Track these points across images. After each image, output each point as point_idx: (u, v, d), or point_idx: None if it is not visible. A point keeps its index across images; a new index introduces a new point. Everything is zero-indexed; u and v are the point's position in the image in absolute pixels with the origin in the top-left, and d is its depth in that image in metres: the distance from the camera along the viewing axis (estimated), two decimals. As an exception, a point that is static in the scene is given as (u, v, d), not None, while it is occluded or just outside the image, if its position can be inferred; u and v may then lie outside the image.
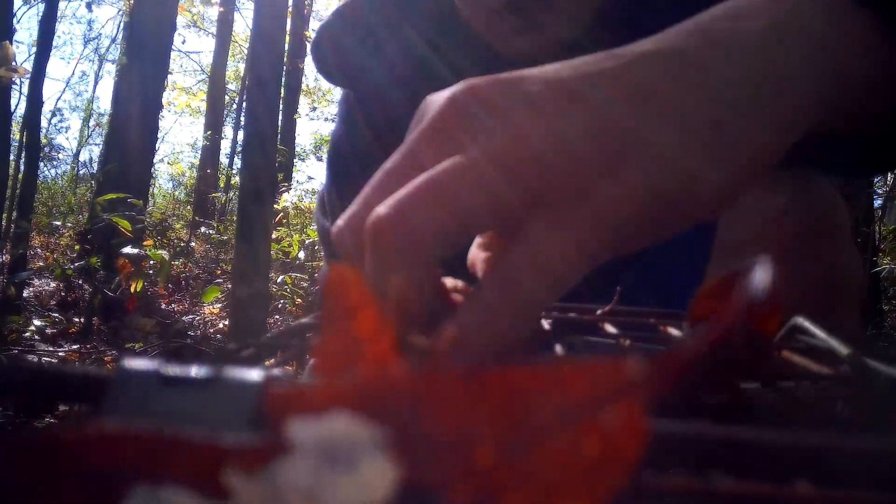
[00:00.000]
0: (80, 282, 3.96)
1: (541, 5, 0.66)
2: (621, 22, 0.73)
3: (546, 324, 0.32)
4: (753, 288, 0.20)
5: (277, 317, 3.92)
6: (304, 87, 12.36)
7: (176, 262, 5.25)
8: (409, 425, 0.13)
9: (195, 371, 0.15)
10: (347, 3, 0.82)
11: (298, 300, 3.93)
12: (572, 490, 0.13)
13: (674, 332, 0.32)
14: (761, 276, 0.20)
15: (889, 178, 4.63)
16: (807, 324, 0.30)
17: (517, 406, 0.13)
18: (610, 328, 0.32)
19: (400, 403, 0.13)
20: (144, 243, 3.46)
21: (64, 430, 0.12)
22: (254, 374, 0.15)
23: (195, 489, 0.12)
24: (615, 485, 0.13)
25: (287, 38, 6.83)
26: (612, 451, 0.13)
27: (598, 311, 0.35)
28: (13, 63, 2.37)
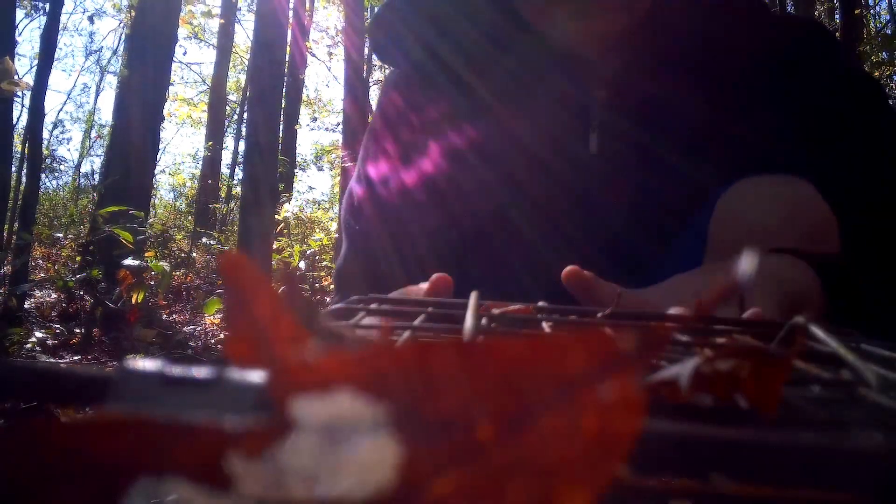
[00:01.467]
0: (82, 293, 3.96)
1: None
2: (666, 25, 0.75)
3: (546, 326, 0.32)
4: (740, 274, 0.20)
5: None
6: (304, 97, 12.40)
7: (177, 273, 5.25)
8: (409, 402, 0.13)
9: (196, 372, 0.15)
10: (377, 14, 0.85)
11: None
12: (573, 469, 0.13)
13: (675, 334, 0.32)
14: (747, 263, 0.20)
15: None
16: (809, 324, 0.30)
17: (515, 380, 0.13)
18: (610, 331, 0.32)
19: (398, 381, 0.13)
20: (146, 254, 3.47)
21: (66, 421, 0.12)
22: (255, 375, 0.15)
23: (197, 477, 0.12)
24: (614, 462, 0.13)
25: (288, 49, 6.87)
26: (609, 425, 0.13)
27: (599, 314, 0.35)
28: (14, 77, 2.39)
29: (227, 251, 0.31)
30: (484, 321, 0.32)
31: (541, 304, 0.37)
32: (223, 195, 11.35)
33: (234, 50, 12.76)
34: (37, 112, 4.02)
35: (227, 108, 13.19)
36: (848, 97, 0.76)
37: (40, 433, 0.12)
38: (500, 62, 0.78)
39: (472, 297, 0.33)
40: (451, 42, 0.80)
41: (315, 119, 14.56)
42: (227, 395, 0.15)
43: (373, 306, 0.35)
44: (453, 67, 0.79)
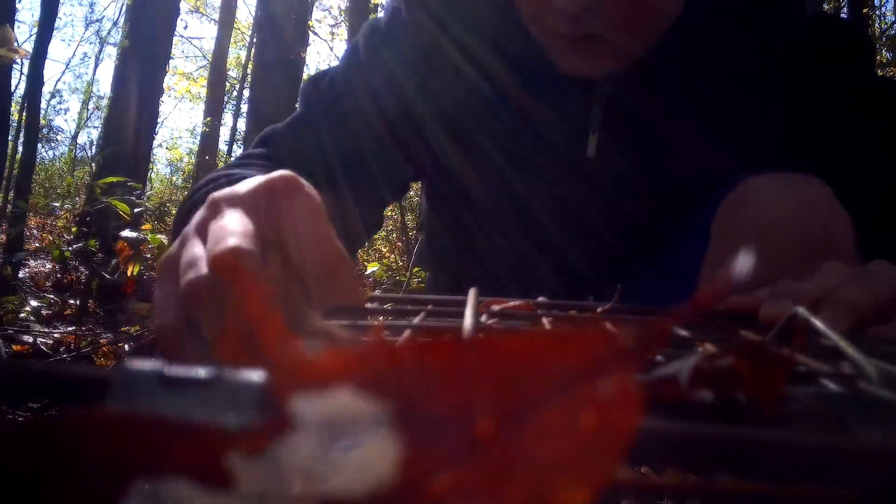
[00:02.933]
0: (77, 264, 3.95)
1: (594, 41, 0.67)
2: (673, 59, 0.73)
3: (547, 322, 0.32)
4: (738, 270, 0.20)
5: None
6: (305, 76, 12.28)
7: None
8: (409, 399, 0.13)
9: (196, 371, 0.15)
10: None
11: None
12: (572, 462, 0.13)
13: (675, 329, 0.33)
14: (744, 259, 0.21)
15: None
16: (807, 315, 0.30)
17: (514, 376, 0.13)
18: (610, 326, 0.32)
19: (399, 377, 0.13)
20: (143, 227, 3.44)
21: (68, 419, 0.12)
22: (254, 375, 0.15)
23: (196, 476, 0.12)
24: (613, 457, 0.13)
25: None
26: (608, 421, 0.13)
27: (599, 309, 0.36)
28: (14, 44, 2.36)
29: (222, 252, 0.32)
30: (483, 317, 0.32)
31: (540, 299, 0.37)
32: (221, 171, 11.23)
33: (235, 25, 12.62)
34: (35, 81, 3.97)
35: (227, 83, 13.07)
36: (870, 96, 0.75)
37: (41, 432, 0.12)
38: (511, 55, 0.77)
39: (471, 294, 0.33)
40: (473, 27, 0.78)
41: (316, 98, 14.38)
42: (227, 394, 0.15)
43: (373, 304, 0.36)
44: (474, 53, 0.77)
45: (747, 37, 0.74)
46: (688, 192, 0.74)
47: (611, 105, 0.76)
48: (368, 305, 0.36)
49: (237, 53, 14.32)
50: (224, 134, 12.96)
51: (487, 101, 0.78)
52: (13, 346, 2.27)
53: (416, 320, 0.33)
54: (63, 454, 0.12)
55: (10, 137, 5.26)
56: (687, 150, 0.73)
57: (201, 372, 0.15)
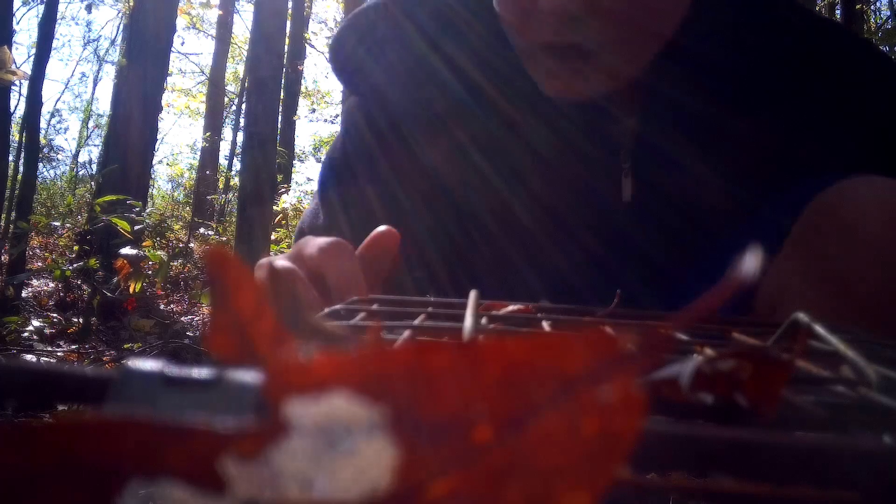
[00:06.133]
0: (79, 282, 3.96)
1: (581, 57, 0.64)
2: (653, 91, 0.69)
3: (546, 325, 0.32)
4: (744, 271, 0.20)
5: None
6: (303, 89, 12.36)
7: (175, 263, 5.25)
8: (406, 404, 0.13)
9: (197, 372, 0.15)
10: (357, 10, 0.82)
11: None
12: (572, 468, 0.13)
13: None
14: (751, 260, 0.20)
15: None
16: (808, 320, 0.30)
17: (514, 380, 0.13)
18: (610, 330, 0.32)
19: (397, 381, 0.13)
20: (143, 244, 3.45)
21: (61, 422, 0.12)
22: (255, 376, 0.15)
23: (191, 479, 0.12)
24: (614, 463, 0.13)
25: (286, 40, 6.83)
26: (609, 426, 0.13)
27: (599, 313, 0.35)
28: (12, 66, 2.38)
29: (214, 245, 0.31)
30: (484, 320, 0.32)
31: (541, 303, 0.37)
32: (221, 186, 11.32)
33: (232, 40, 12.71)
34: (34, 101, 4.00)
35: (226, 98, 13.15)
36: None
37: (36, 434, 0.12)
38: (515, 69, 0.75)
39: (472, 297, 0.33)
40: (456, 38, 0.77)
41: (313, 110, 14.52)
42: (228, 395, 0.15)
43: (374, 307, 0.35)
44: (458, 63, 0.76)
45: (757, 61, 0.71)
46: (709, 228, 0.71)
47: (637, 153, 0.73)
48: (369, 307, 0.36)
49: (235, 68, 14.41)
50: (224, 148, 13.03)
51: (470, 110, 0.77)
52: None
53: (416, 321, 0.33)
54: (56, 457, 0.12)
55: (10, 158, 5.29)
56: (714, 185, 0.70)
57: (203, 372, 0.15)
